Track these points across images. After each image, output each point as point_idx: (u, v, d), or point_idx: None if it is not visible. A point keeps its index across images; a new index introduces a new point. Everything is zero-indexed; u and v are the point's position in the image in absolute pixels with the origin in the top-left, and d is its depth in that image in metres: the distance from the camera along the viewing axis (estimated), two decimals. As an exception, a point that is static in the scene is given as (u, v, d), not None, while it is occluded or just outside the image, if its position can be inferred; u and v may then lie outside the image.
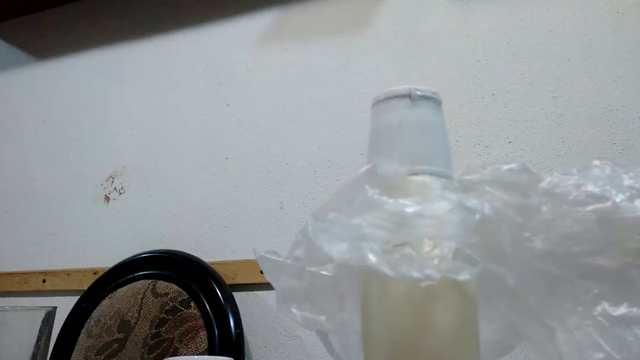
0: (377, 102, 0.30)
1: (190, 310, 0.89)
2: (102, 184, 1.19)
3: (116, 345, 0.92)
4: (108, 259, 1.08)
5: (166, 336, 0.88)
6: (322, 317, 0.32)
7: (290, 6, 1.09)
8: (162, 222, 1.11)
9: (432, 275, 0.24)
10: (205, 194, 1.08)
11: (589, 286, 0.27)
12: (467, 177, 0.29)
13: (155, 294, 0.93)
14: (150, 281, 0.96)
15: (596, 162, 0.29)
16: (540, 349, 0.28)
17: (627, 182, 0.28)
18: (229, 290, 0.92)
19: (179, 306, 0.90)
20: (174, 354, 0.85)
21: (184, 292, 0.92)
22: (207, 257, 1.00)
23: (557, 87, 0.87)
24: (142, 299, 0.94)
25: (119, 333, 0.93)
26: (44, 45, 1.34)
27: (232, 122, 1.09)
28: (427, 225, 0.25)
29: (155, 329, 0.90)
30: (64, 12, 1.34)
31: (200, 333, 0.87)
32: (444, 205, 0.26)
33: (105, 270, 1.04)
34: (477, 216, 0.26)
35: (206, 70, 1.14)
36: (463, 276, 0.24)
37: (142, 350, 0.89)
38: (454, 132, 0.91)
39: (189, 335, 0.87)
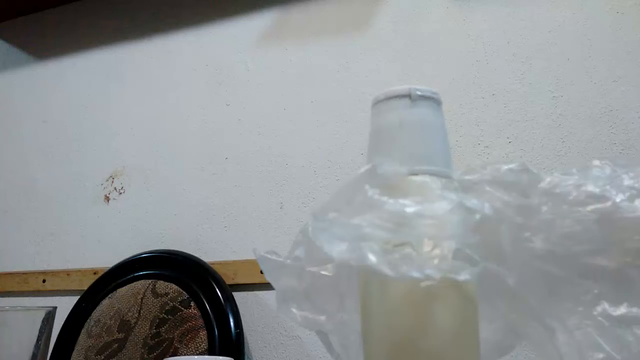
0: (377, 102, 0.30)
1: (190, 310, 0.89)
2: (102, 184, 1.19)
3: (116, 345, 0.92)
4: (108, 259, 1.08)
5: (166, 336, 0.88)
6: (322, 317, 0.32)
7: (290, 6, 1.08)
8: (162, 222, 1.11)
9: (432, 275, 0.24)
10: (205, 194, 1.08)
11: (589, 286, 0.27)
12: (467, 177, 0.29)
13: (155, 294, 0.93)
14: (150, 281, 0.96)
15: (596, 162, 0.29)
16: (540, 349, 0.28)
17: (627, 182, 0.28)
18: (229, 290, 0.92)
19: (179, 306, 0.90)
20: (174, 354, 0.85)
21: (184, 292, 0.92)
22: (207, 257, 1.00)
23: (557, 87, 0.87)
24: (142, 299, 0.94)
25: (119, 333, 0.93)
26: (44, 45, 1.34)
27: (232, 122, 1.09)
28: (427, 225, 0.25)
29: (155, 329, 0.90)
30: (64, 12, 1.34)
31: (200, 333, 0.87)
32: (444, 205, 0.26)
33: (105, 270, 1.04)
34: (477, 216, 0.26)
35: (206, 70, 1.14)
36: (463, 276, 0.24)
37: (142, 350, 0.89)
38: (454, 132, 0.91)
39: (189, 335, 0.87)
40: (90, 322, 0.97)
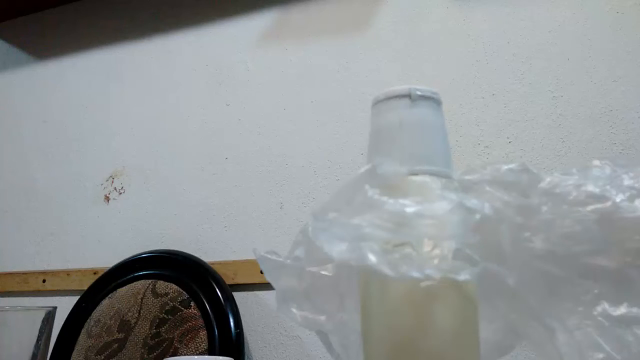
0: (377, 102, 0.30)
1: (190, 310, 0.89)
2: (102, 184, 1.19)
3: (116, 345, 0.92)
4: (108, 259, 1.08)
5: (166, 336, 0.88)
6: (322, 317, 0.32)
7: (290, 6, 1.08)
8: (162, 222, 1.11)
9: (432, 275, 0.24)
10: (205, 194, 1.08)
11: (589, 286, 0.27)
12: (467, 177, 0.29)
13: (155, 294, 0.93)
14: (150, 281, 0.96)
15: (596, 162, 0.29)
16: (540, 349, 0.28)
17: (627, 182, 0.28)
18: (229, 290, 0.92)
19: (179, 306, 0.90)
20: (174, 354, 0.85)
21: (184, 292, 0.92)
22: (207, 257, 1.00)
23: (557, 87, 0.87)
24: (142, 299, 0.94)
25: (119, 333, 0.93)
26: (44, 45, 1.34)
27: (232, 122, 1.09)
28: (427, 225, 0.25)
29: (155, 329, 0.90)
30: (64, 12, 1.34)
31: (200, 333, 0.87)
32: (444, 205, 0.26)
33: (105, 270, 1.04)
34: (477, 216, 0.26)
35: (206, 70, 1.14)
36: (463, 276, 0.24)
37: (142, 350, 0.89)
38: (454, 132, 0.91)
39: (189, 335, 0.87)
40: (90, 322, 0.97)
